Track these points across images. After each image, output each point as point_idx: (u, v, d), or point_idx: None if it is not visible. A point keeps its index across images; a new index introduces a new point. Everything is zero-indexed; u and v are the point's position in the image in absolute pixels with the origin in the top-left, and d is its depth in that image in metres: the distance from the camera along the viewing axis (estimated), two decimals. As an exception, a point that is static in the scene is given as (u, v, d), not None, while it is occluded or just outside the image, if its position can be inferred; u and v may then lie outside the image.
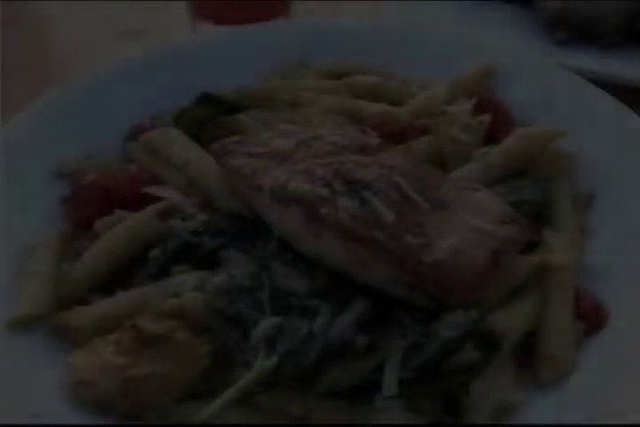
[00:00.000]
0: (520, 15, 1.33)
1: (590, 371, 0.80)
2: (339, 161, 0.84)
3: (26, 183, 0.95)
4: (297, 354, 0.73)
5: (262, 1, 1.23)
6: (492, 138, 0.99)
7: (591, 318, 0.84)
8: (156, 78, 1.08)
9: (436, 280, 0.76)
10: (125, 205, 0.90)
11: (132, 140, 0.99)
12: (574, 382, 0.79)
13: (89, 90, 1.05)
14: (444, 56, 1.09)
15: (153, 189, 0.89)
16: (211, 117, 0.98)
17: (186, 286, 0.80)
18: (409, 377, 0.73)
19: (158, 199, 0.89)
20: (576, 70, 1.14)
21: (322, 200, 0.79)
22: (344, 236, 0.76)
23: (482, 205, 0.85)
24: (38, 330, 0.82)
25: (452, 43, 1.11)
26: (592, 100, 1.02)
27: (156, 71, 1.09)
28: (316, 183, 0.80)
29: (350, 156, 0.85)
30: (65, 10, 1.42)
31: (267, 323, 0.75)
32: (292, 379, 0.73)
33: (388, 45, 1.12)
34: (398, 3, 1.32)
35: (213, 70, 1.10)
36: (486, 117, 0.97)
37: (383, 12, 1.31)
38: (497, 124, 1.00)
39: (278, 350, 0.73)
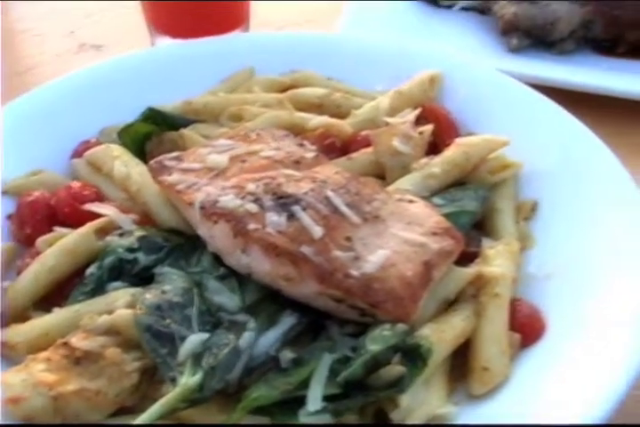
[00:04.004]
0: (477, 23, 1.33)
1: (523, 382, 0.80)
2: (271, 176, 0.84)
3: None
4: (221, 370, 0.73)
5: (218, 14, 1.24)
6: (436, 147, 0.99)
7: (527, 330, 0.83)
8: (107, 93, 1.10)
9: (364, 294, 0.76)
10: (67, 222, 0.92)
11: (78, 156, 1.00)
12: (506, 393, 0.79)
13: (37, 106, 1.06)
14: (392, 66, 1.09)
15: (92, 206, 0.90)
16: (155, 133, 0.99)
17: (119, 302, 0.80)
18: (335, 392, 0.73)
19: (99, 216, 0.90)
20: (530, 77, 1.14)
21: (250, 216, 0.79)
22: (270, 251, 0.77)
23: (416, 218, 0.85)
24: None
25: (400, 52, 1.11)
26: (537, 109, 1.02)
27: (106, 86, 1.10)
28: (246, 199, 0.81)
29: (283, 170, 0.86)
30: (29, 24, 1.44)
31: (193, 339, 0.75)
32: (217, 395, 0.73)
33: (338, 56, 1.12)
34: (355, 11, 1.32)
35: (164, 84, 1.11)
36: (428, 128, 0.97)
37: (338, 21, 1.31)
38: (441, 133, 1.00)
39: (203, 366, 0.74)
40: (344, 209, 0.81)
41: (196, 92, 1.09)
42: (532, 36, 1.24)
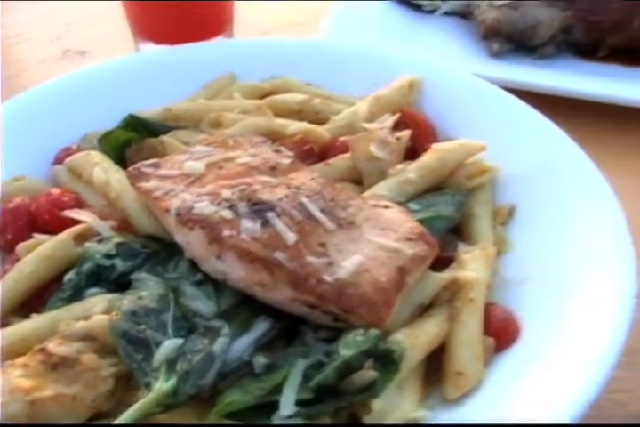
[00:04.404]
0: (460, 28, 1.34)
1: (497, 386, 0.80)
2: (246, 182, 0.85)
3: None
4: (195, 375, 0.74)
5: (201, 20, 1.24)
6: (415, 153, 1.00)
7: (501, 334, 0.84)
8: (90, 99, 1.10)
9: (337, 299, 0.77)
10: (47, 229, 0.92)
11: (59, 163, 1.01)
12: (480, 398, 0.80)
13: (20, 112, 1.07)
14: (371, 71, 1.10)
15: (71, 213, 0.90)
16: (135, 139, 1.00)
17: (96, 308, 0.81)
18: (308, 397, 0.74)
19: (78, 222, 0.91)
20: (511, 82, 1.15)
21: (225, 222, 0.80)
22: (244, 257, 0.78)
23: (391, 223, 0.86)
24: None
25: (379, 58, 1.12)
26: (515, 114, 1.03)
27: (89, 92, 1.11)
28: (221, 205, 0.82)
29: (259, 177, 0.86)
30: (13, 29, 1.45)
31: (168, 345, 0.76)
32: (192, 400, 0.74)
33: (318, 62, 1.13)
34: (339, 15, 1.33)
35: (148, 90, 1.12)
36: (405, 133, 0.97)
37: (320, 25, 1.32)
38: (420, 138, 1.01)
39: (177, 371, 0.74)
40: (318, 215, 0.82)
41: (180, 97, 1.10)
42: (513, 41, 1.25)
